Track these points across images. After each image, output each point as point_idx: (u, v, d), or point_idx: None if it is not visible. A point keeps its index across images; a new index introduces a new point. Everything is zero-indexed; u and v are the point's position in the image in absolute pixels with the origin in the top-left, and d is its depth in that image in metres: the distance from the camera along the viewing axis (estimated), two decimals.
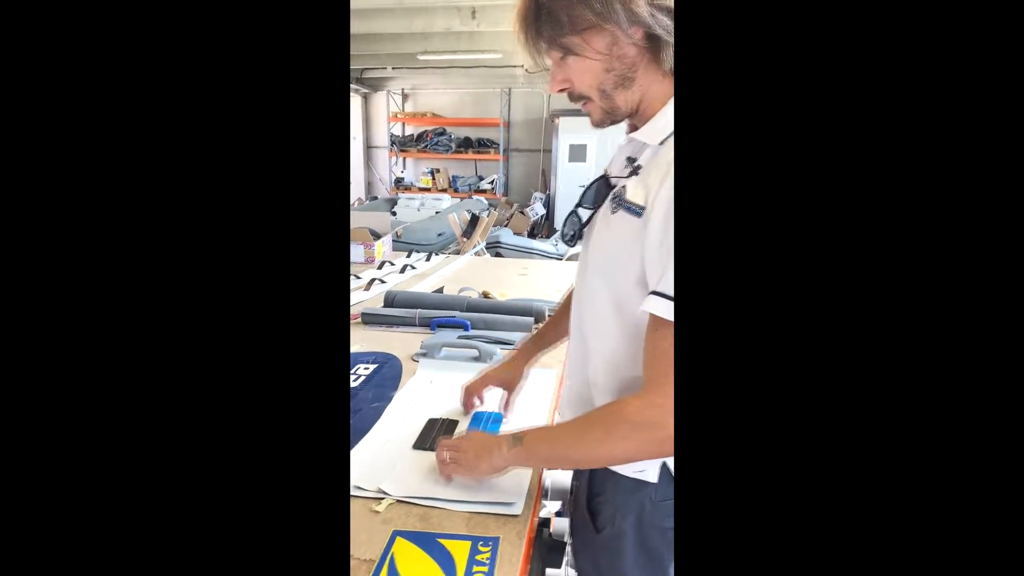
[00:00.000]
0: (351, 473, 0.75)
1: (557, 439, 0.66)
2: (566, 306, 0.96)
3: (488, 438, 0.72)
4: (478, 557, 0.60)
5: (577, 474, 0.73)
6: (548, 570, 0.96)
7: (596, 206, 0.68)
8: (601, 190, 0.68)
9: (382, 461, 0.78)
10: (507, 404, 0.93)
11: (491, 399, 0.96)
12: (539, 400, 1.00)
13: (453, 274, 2.05)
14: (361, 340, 1.31)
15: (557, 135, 6.35)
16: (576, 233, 0.71)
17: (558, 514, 1.02)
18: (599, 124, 0.65)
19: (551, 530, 0.96)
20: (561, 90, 0.62)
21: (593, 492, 0.70)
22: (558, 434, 0.67)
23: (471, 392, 0.93)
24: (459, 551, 0.61)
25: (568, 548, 0.94)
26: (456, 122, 6.99)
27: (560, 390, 1.08)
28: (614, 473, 0.66)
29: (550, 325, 0.97)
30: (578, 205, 0.71)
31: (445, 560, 0.60)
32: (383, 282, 1.86)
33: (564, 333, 0.97)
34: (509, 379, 0.93)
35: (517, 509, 0.68)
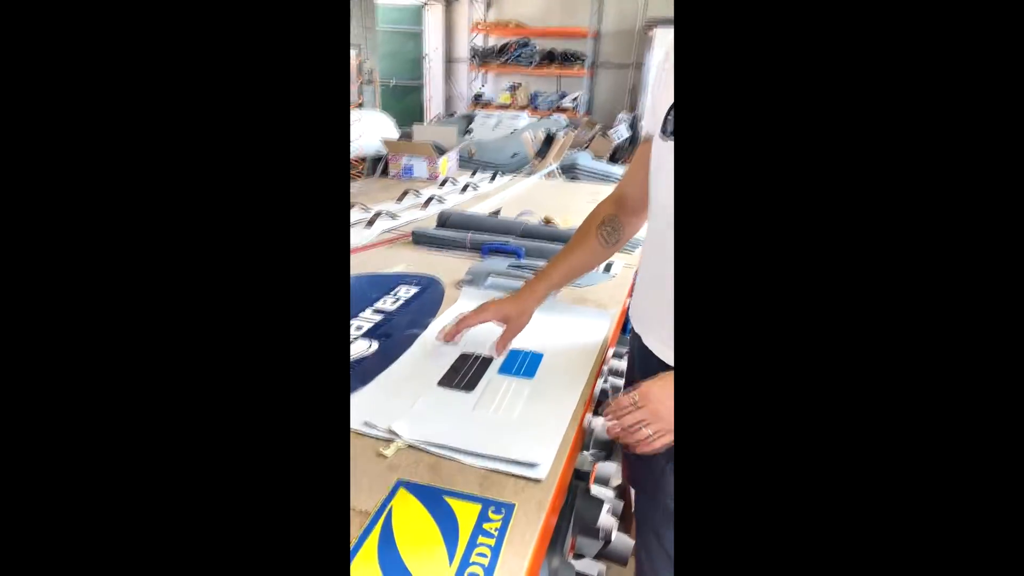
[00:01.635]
0: (365, 407, 0.68)
1: None
2: (582, 233, 0.84)
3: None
4: (486, 526, 0.52)
5: None
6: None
7: None
8: None
9: (401, 396, 0.71)
10: (503, 344, 0.82)
11: (529, 339, 0.86)
12: (589, 340, 0.89)
13: (516, 196, 1.92)
14: (408, 260, 1.24)
15: (651, 49, 5.77)
16: None
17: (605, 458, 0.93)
18: None
19: (590, 484, 0.88)
20: None
21: None
22: None
23: (461, 325, 0.81)
24: (466, 515, 0.53)
25: (607, 499, 0.86)
26: (541, 32, 6.51)
27: (627, 309, 0.96)
28: None
29: (560, 259, 0.84)
30: None
31: (448, 523, 0.52)
32: (442, 201, 1.76)
33: (581, 267, 0.85)
34: (512, 316, 0.81)
35: (540, 473, 0.58)
